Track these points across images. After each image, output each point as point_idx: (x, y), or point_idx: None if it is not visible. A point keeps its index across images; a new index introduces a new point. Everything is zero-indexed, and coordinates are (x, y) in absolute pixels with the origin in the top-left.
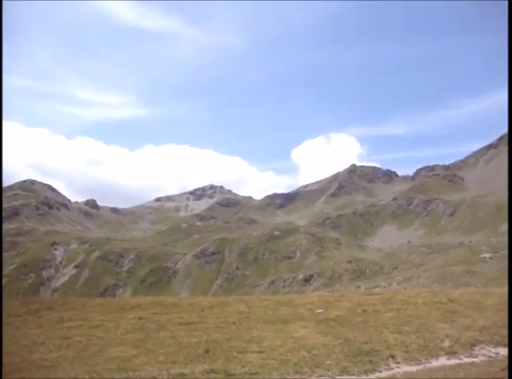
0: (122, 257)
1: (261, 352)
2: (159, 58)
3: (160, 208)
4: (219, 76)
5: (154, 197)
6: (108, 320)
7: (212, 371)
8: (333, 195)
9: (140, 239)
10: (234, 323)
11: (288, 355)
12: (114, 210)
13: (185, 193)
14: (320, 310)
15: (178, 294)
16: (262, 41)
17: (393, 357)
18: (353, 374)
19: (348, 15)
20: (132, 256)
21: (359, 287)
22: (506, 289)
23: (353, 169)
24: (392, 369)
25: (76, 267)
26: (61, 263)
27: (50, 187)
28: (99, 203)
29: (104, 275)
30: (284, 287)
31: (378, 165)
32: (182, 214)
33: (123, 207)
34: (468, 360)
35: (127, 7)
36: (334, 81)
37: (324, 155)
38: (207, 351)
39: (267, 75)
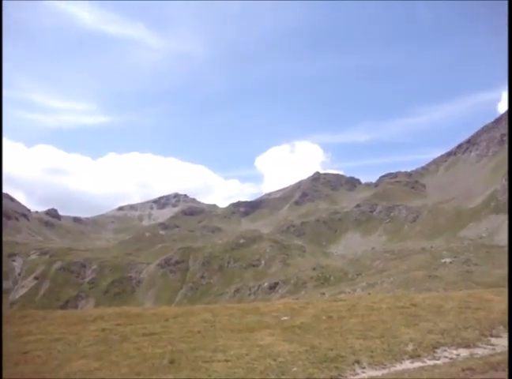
0: (85, 267)
1: (227, 361)
2: (122, 64)
3: (123, 216)
4: (183, 83)
5: (117, 206)
6: (70, 333)
7: None
8: (296, 203)
9: (103, 249)
10: (199, 332)
11: (254, 363)
12: (77, 219)
13: (148, 202)
14: (285, 318)
15: (143, 305)
16: (227, 50)
17: (358, 362)
18: None
19: (312, 25)
20: (94, 266)
21: (323, 293)
22: (465, 292)
23: (317, 177)
24: (357, 374)
25: (36, 278)
26: (19, 274)
27: (8, 196)
28: (61, 212)
29: (66, 286)
30: (249, 294)
31: (341, 172)
32: (145, 223)
33: (85, 216)
34: (431, 362)
35: (89, 11)
36: (298, 89)
37: (288, 163)
38: (172, 362)
39: (231, 83)
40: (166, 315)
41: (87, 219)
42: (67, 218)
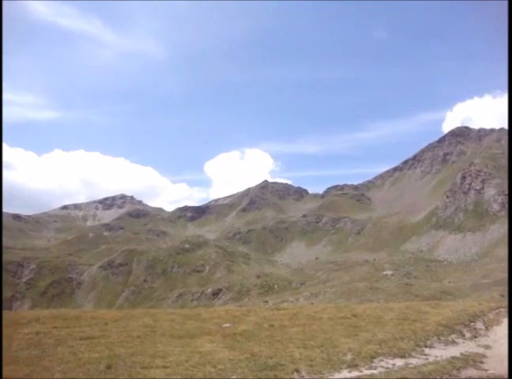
0: (22, 266)
1: (165, 367)
2: (75, 59)
3: (67, 216)
4: (136, 83)
5: (61, 205)
6: None
7: None
8: (244, 210)
9: (43, 248)
10: (138, 337)
11: (193, 370)
12: (16, 216)
13: (94, 202)
14: (227, 325)
15: (82, 307)
16: (182, 53)
17: (297, 371)
18: None
19: (271, 35)
20: (33, 266)
21: (267, 301)
22: (403, 304)
23: (265, 185)
24: None
25: None
26: None
27: None
28: None
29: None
30: (192, 300)
31: (289, 182)
32: (89, 223)
33: (26, 213)
34: (368, 372)
35: (43, 2)
36: (252, 97)
37: (237, 170)
38: (109, 367)
39: (184, 86)
40: (105, 319)
41: (28, 216)
42: (6, 214)
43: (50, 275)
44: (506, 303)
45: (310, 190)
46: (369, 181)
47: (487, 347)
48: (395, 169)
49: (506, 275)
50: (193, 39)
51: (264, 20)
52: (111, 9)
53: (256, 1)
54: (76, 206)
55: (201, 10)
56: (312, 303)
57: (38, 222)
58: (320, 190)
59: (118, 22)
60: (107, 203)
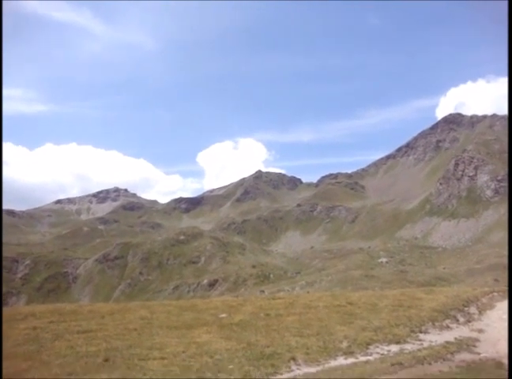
0: (17, 262)
1: (163, 359)
2: (64, 51)
3: (61, 210)
4: (126, 75)
5: (54, 199)
6: None
7: None
8: (238, 200)
9: (37, 244)
10: (135, 329)
11: (190, 361)
12: (10, 212)
13: (87, 196)
14: (223, 315)
15: (78, 301)
16: (174, 44)
17: (294, 359)
18: (255, 378)
19: (262, 23)
20: (28, 261)
21: (263, 291)
22: (398, 291)
23: (259, 175)
24: (293, 371)
25: None
26: None
27: None
28: None
29: None
30: (188, 292)
31: (283, 171)
32: (83, 217)
33: (20, 209)
34: (364, 358)
35: None
36: (244, 87)
37: (231, 160)
38: (106, 360)
39: (176, 78)
40: (102, 312)
41: (21, 212)
42: None
43: (46, 270)
44: (499, 288)
45: (304, 179)
46: (363, 170)
47: (480, 331)
48: (388, 156)
49: (499, 260)
50: (184, 30)
51: (255, 9)
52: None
53: None
54: (70, 200)
55: (193, 0)
56: (308, 292)
57: (32, 217)
58: (314, 179)
59: (109, 13)
60: (101, 196)
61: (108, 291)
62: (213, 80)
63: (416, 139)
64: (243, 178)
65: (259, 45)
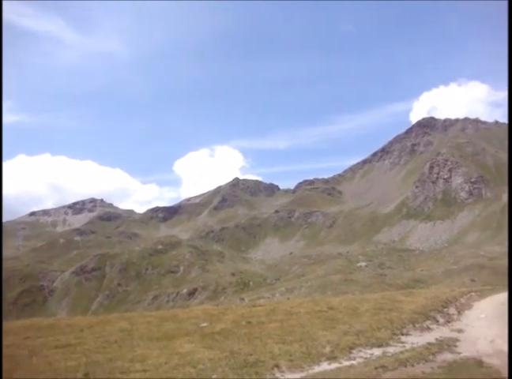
0: None
1: (145, 371)
2: (36, 60)
3: (35, 222)
4: (100, 84)
5: (28, 211)
6: None
7: None
8: (216, 208)
9: (11, 258)
10: (116, 342)
11: (173, 372)
12: None
13: (63, 207)
14: (205, 324)
15: (56, 315)
16: (148, 52)
17: (277, 366)
18: None
19: (237, 32)
20: None
21: (243, 299)
22: (379, 294)
23: (236, 182)
24: (277, 378)
25: None
26: None
27: None
28: None
29: None
30: (167, 301)
31: (260, 178)
32: (59, 229)
33: None
34: (347, 363)
35: (4, 2)
36: (219, 94)
37: (207, 168)
38: (86, 375)
39: (150, 86)
40: (80, 325)
41: None
42: None
43: (21, 284)
44: (476, 288)
45: (281, 186)
46: (339, 175)
47: (459, 331)
48: (364, 161)
49: (475, 261)
50: (158, 38)
51: (230, 16)
52: (73, 8)
53: None
54: (44, 212)
55: (166, 7)
56: (288, 298)
57: (5, 230)
58: (291, 185)
59: (82, 22)
60: (77, 207)
61: (86, 304)
62: (188, 87)
63: (391, 143)
64: (220, 186)
65: (234, 52)
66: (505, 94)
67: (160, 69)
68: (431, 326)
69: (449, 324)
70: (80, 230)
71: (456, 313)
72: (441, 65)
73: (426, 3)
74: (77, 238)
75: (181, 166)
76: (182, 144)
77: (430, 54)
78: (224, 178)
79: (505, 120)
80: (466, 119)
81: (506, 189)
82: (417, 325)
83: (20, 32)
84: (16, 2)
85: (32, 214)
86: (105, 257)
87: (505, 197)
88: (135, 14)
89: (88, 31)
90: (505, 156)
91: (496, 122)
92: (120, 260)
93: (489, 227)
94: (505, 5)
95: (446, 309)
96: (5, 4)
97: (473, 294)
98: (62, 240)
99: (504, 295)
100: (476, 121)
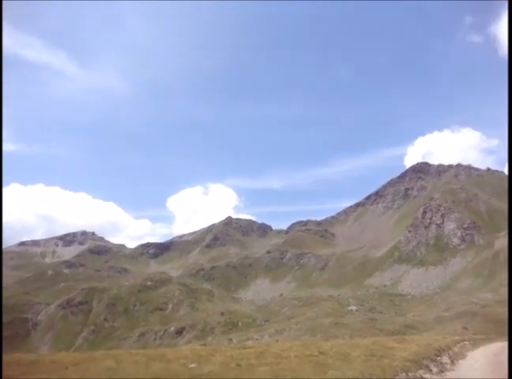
0: None
1: None
2: (36, 91)
3: (24, 252)
4: (98, 118)
5: (18, 241)
6: None
7: None
8: (207, 246)
9: None
10: None
11: None
12: None
13: (53, 238)
14: (193, 365)
15: (38, 349)
16: (147, 88)
17: None
18: None
19: (234, 71)
20: None
21: (231, 339)
22: (370, 340)
23: (229, 221)
24: None
25: None
26: None
27: None
28: None
29: None
30: (155, 339)
31: (253, 218)
32: (48, 260)
33: None
34: None
35: (6, 33)
36: (217, 132)
37: (201, 205)
38: None
39: (148, 122)
40: (65, 362)
41: None
42: None
43: (4, 316)
44: (469, 336)
45: (274, 226)
46: (332, 217)
47: None
48: (358, 204)
49: (467, 308)
50: (158, 74)
51: (229, 56)
52: (76, 42)
53: (221, 38)
54: (34, 242)
55: (166, 45)
56: (277, 340)
57: None
58: (284, 226)
59: (83, 55)
60: (68, 239)
61: (70, 338)
62: (185, 125)
63: (384, 187)
64: (213, 224)
65: (232, 92)
66: (496, 142)
67: (158, 106)
68: (424, 375)
69: (443, 374)
70: (70, 263)
71: (449, 362)
72: (435, 112)
73: (423, 53)
74: (66, 271)
75: (174, 202)
76: (177, 180)
77: (425, 101)
78: (217, 217)
79: (497, 167)
80: (459, 165)
81: (498, 235)
82: (410, 374)
83: (21, 63)
84: (20, 33)
85: (22, 244)
86: (93, 290)
87: (497, 244)
88: (137, 49)
89: (88, 65)
90: (497, 203)
91: (488, 169)
92: (108, 295)
93: (481, 274)
94: (496, 54)
95: (439, 358)
96: (9, 34)
97: (466, 342)
98: (50, 272)
99: (497, 345)
100: (469, 167)
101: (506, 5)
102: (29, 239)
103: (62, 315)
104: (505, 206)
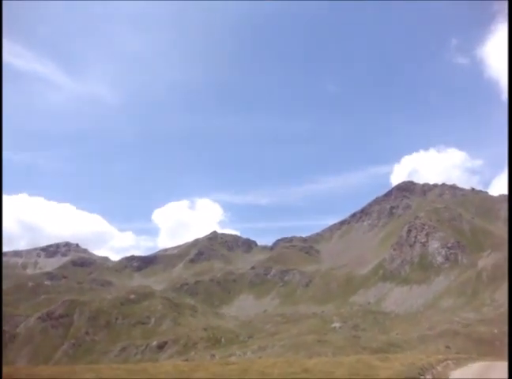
0: None
1: None
2: (23, 100)
3: (5, 263)
4: (84, 128)
5: None
6: None
7: None
8: (192, 261)
9: None
10: None
11: None
12: None
13: (35, 249)
14: None
15: (14, 363)
16: (135, 99)
17: None
18: None
19: (226, 85)
20: None
21: (214, 355)
22: (353, 358)
23: (214, 236)
24: None
25: None
26: None
27: None
28: None
29: None
30: (136, 354)
31: (238, 233)
32: (29, 271)
33: None
34: None
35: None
36: (204, 146)
37: (186, 219)
38: None
39: (136, 133)
40: (42, 376)
41: None
42: None
43: None
44: (452, 355)
45: (259, 242)
46: (317, 234)
47: None
48: (343, 222)
49: (450, 327)
50: (146, 85)
51: (218, 70)
52: (64, 51)
53: (210, 50)
54: (16, 253)
55: (158, 56)
56: (260, 357)
57: None
58: (269, 242)
59: (70, 65)
60: (51, 250)
61: (49, 352)
62: (172, 137)
63: (370, 205)
64: (198, 239)
65: (220, 106)
66: (480, 162)
67: (145, 118)
68: None
69: None
70: (52, 274)
71: None
72: (422, 132)
73: (409, 71)
74: (47, 282)
75: (160, 215)
76: (163, 193)
77: (412, 121)
78: (202, 231)
79: (481, 187)
80: (444, 185)
81: (481, 255)
82: None
83: (7, 71)
84: (8, 41)
85: (3, 254)
86: (74, 303)
87: (481, 264)
88: (124, 61)
89: (75, 74)
90: (481, 223)
91: (473, 189)
92: (90, 308)
93: (464, 294)
94: (481, 77)
95: (422, 377)
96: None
97: (450, 361)
98: (30, 283)
99: (480, 364)
100: (454, 187)
101: (491, 28)
102: (11, 250)
103: (42, 328)
104: (488, 226)
